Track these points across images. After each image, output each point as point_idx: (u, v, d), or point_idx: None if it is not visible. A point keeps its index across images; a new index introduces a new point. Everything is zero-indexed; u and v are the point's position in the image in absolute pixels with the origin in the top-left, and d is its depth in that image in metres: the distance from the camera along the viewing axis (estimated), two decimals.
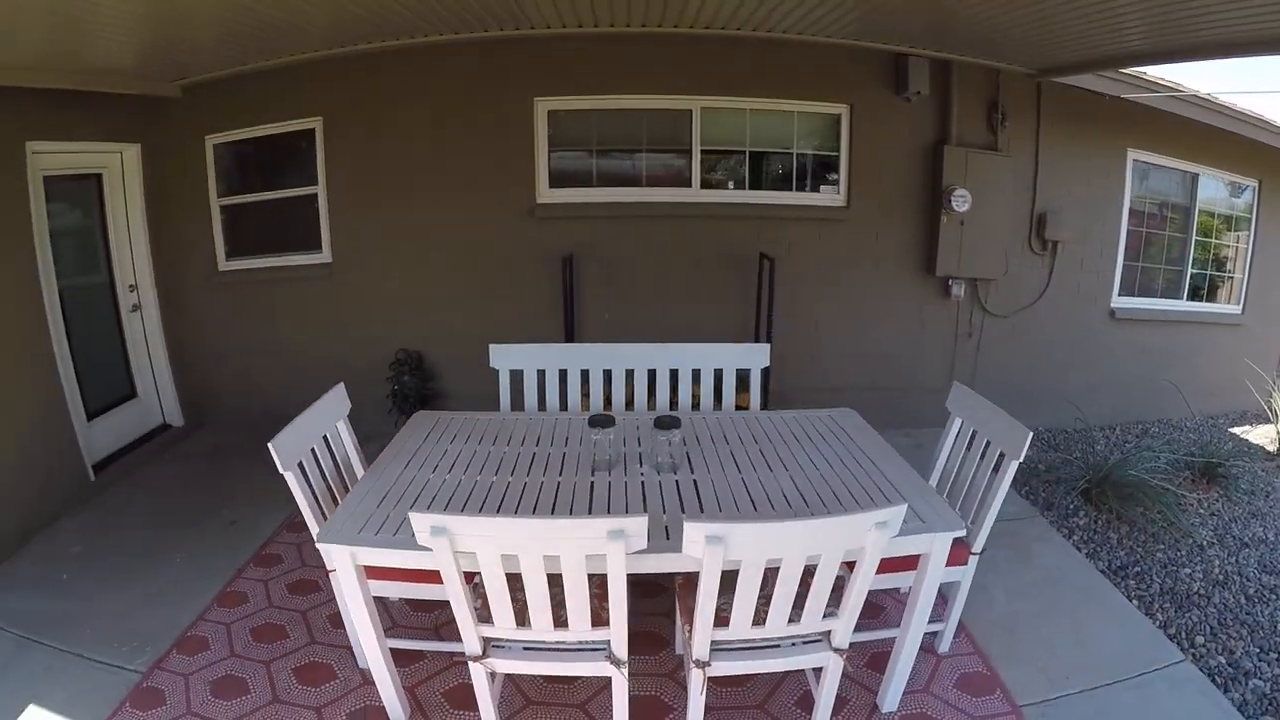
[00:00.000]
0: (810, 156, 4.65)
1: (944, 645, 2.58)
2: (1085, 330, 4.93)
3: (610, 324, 4.64)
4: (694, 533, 1.62)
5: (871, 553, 1.74)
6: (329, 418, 2.54)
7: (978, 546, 2.34)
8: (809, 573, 1.78)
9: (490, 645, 1.98)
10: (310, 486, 2.29)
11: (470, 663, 1.97)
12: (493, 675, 2.13)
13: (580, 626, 1.85)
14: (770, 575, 1.75)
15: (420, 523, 1.69)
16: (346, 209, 4.54)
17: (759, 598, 1.79)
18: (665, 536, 1.96)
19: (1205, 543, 3.45)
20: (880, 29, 3.91)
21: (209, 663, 2.56)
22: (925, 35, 3.92)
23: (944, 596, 2.51)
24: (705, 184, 4.61)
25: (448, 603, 1.86)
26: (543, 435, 2.75)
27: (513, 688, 2.39)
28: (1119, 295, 5.00)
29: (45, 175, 3.62)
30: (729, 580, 1.73)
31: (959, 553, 2.31)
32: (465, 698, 2.26)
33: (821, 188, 4.66)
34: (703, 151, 4.54)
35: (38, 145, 3.49)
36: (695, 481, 2.35)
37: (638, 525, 1.64)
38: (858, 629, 2.58)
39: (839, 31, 3.93)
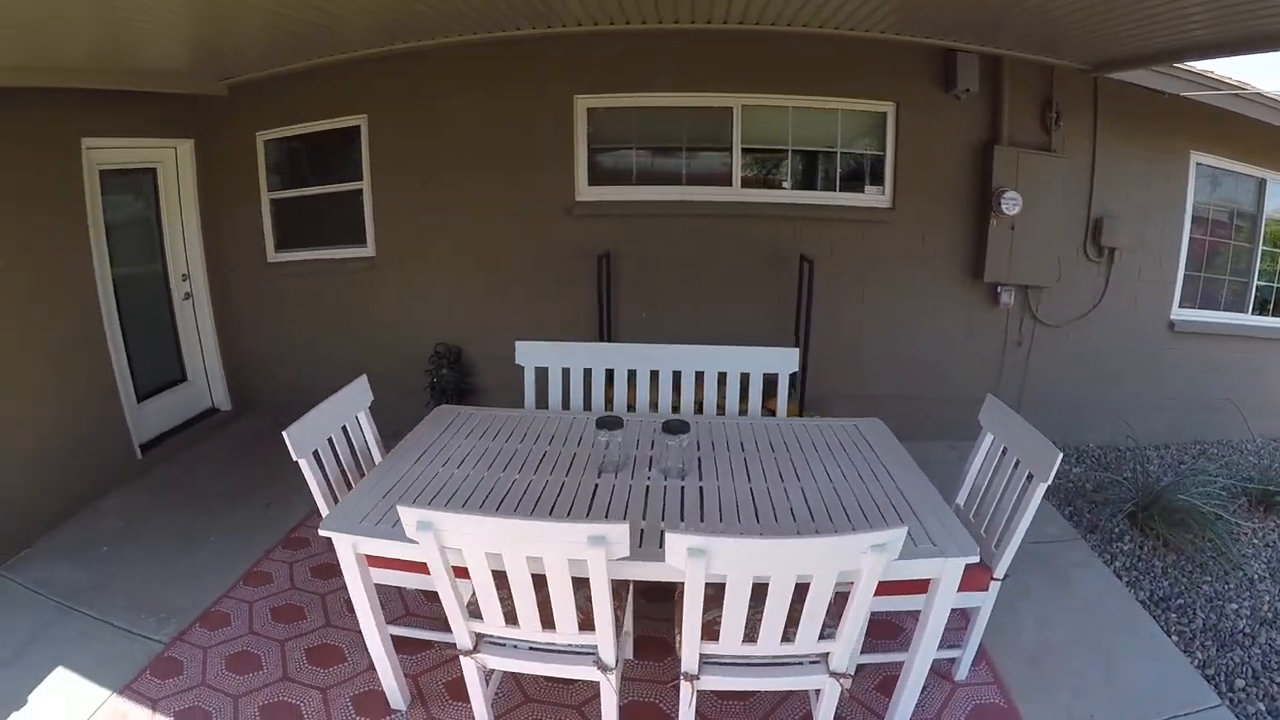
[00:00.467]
0: (854, 156, 4.51)
1: (961, 672, 2.46)
2: (1142, 342, 4.64)
3: (647, 323, 4.61)
4: (676, 544, 1.58)
5: (868, 576, 1.66)
6: (349, 409, 2.60)
7: (1000, 572, 2.20)
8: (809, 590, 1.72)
9: (482, 641, 1.99)
10: (325, 475, 2.36)
11: (461, 656, 1.99)
12: (490, 673, 2.15)
13: (567, 629, 1.84)
14: (766, 590, 1.70)
15: (407, 517, 1.71)
16: (389, 204, 4.63)
17: (755, 613, 1.74)
18: (659, 544, 1.91)
19: (1256, 576, 3.20)
20: (921, 22, 3.73)
21: (228, 638, 2.67)
22: (971, 28, 3.73)
23: (968, 619, 2.39)
24: (746, 183, 4.52)
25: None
26: (557, 434, 2.74)
27: (512, 683, 2.41)
28: (1179, 307, 4.68)
29: (101, 169, 3.82)
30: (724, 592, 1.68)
31: (980, 578, 2.20)
32: (465, 691, 2.28)
33: (866, 188, 4.51)
34: (744, 150, 4.45)
35: (92, 141, 3.68)
36: (701, 488, 2.30)
37: (619, 533, 1.61)
38: (869, 650, 2.52)
39: (876, 26, 3.78)
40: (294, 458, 2.23)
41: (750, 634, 1.79)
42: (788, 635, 1.79)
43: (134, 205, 4.30)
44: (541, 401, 3.14)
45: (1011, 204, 4.13)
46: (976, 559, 1.95)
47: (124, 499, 3.75)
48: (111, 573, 3.09)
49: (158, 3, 2.68)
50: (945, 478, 2.56)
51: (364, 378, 2.74)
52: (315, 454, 2.32)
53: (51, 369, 3.50)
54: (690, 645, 1.79)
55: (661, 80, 4.29)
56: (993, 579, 2.22)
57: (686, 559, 1.57)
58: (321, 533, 2.08)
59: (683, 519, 2.11)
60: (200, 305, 4.67)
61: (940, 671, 2.47)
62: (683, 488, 2.30)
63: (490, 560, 1.76)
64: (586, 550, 1.62)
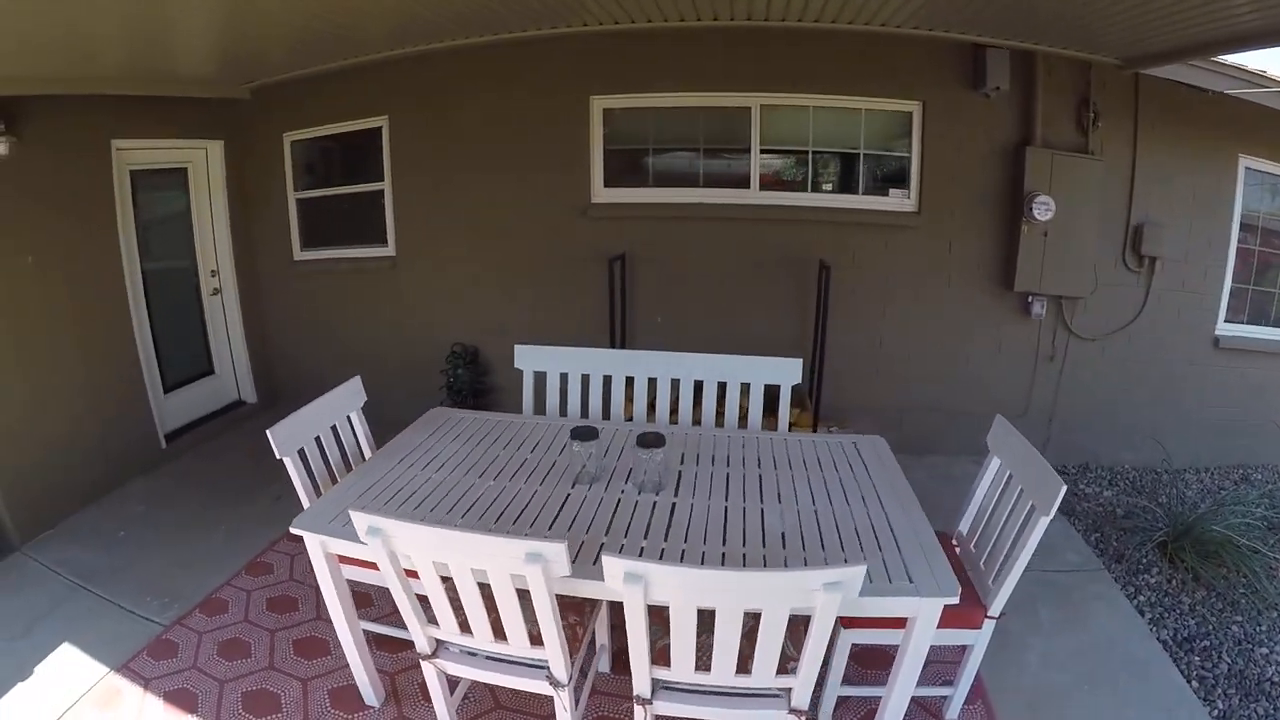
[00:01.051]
0: (878, 158, 4.35)
1: (952, 712, 2.33)
2: (1185, 359, 4.33)
3: (662, 328, 4.56)
4: (613, 568, 1.54)
5: (822, 614, 1.57)
6: (341, 408, 2.65)
7: (995, 610, 2.06)
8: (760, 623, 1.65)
9: (441, 646, 1.99)
10: (310, 473, 2.41)
11: (421, 661, 2.00)
12: (456, 679, 2.15)
13: (518, 642, 1.83)
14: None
15: (359, 521, 1.73)
16: (410, 205, 4.70)
17: (709, 640, 1.68)
18: None
19: None
20: (946, 13, 3.53)
21: (223, 625, 2.77)
22: (1000, 20, 3.50)
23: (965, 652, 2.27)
24: (765, 185, 4.41)
25: None
26: (541, 442, 2.72)
27: (484, 689, 2.41)
28: (1225, 321, 4.35)
29: (132, 169, 3.99)
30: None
31: (972, 615, 2.07)
32: None
33: (890, 191, 4.35)
34: (763, 151, 4.34)
35: (122, 143, 3.85)
36: (674, 505, 2.24)
37: (556, 551, 1.58)
38: (858, 681, 2.42)
39: (893, 18, 3.61)
40: (277, 455, 2.29)
41: (705, 662, 1.73)
42: (747, 666, 1.73)
43: (166, 203, 4.47)
44: (540, 406, 3.13)
45: (1044, 209, 3.92)
46: (956, 600, 1.80)
47: (146, 486, 3.92)
48: (126, 556, 3.23)
49: (181, 17, 2.78)
50: (962, 497, 2.43)
51: (357, 379, 2.80)
52: (302, 453, 2.38)
53: (78, 360, 3.67)
54: (639, 669, 1.75)
55: (679, 80, 4.22)
56: (987, 617, 2.09)
57: (623, 584, 1.53)
58: (293, 530, 2.12)
59: (646, 536, 2.06)
60: (229, 301, 4.84)
61: (930, 709, 2.36)
62: (655, 503, 2.25)
63: (440, 568, 1.76)
64: (525, 567, 1.59)
